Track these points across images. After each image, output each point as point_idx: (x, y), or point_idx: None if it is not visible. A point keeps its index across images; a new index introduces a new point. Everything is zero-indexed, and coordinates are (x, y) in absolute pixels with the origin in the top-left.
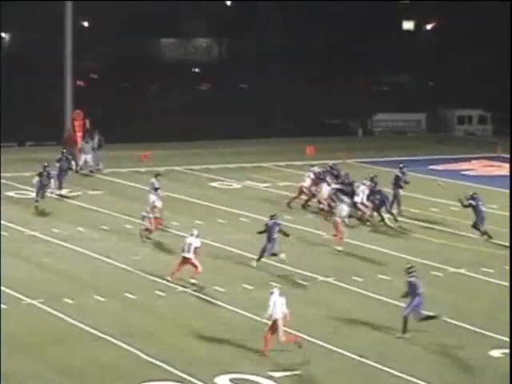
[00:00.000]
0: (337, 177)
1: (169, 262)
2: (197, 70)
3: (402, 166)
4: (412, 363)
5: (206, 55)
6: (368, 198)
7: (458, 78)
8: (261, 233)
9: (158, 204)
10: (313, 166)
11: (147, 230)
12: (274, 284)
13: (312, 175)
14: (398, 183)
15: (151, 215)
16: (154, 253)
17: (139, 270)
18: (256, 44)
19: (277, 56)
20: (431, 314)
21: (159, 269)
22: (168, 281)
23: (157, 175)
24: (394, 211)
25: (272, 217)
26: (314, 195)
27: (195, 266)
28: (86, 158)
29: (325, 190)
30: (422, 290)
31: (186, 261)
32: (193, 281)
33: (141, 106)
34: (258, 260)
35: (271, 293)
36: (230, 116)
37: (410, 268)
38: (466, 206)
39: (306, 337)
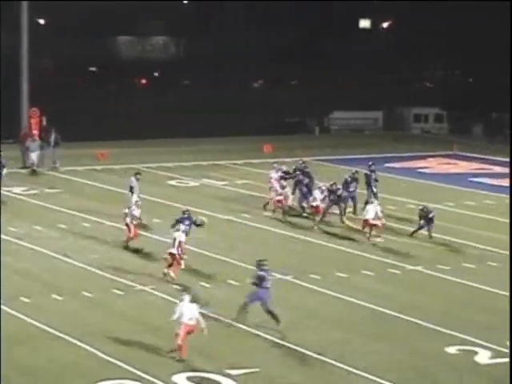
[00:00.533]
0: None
1: (126, 260)
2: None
3: (370, 163)
4: (370, 360)
5: (163, 53)
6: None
7: (414, 76)
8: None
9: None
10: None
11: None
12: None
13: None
14: (369, 182)
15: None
16: (113, 251)
17: (97, 269)
18: (213, 43)
19: (235, 55)
20: (274, 313)
21: (117, 267)
22: (174, 283)
23: (136, 173)
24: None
25: (184, 212)
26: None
27: (178, 263)
28: (32, 156)
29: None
30: (270, 285)
31: (172, 256)
32: (172, 274)
33: (98, 104)
34: None
35: (181, 300)
36: (186, 114)
37: (261, 261)
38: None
39: (264, 334)
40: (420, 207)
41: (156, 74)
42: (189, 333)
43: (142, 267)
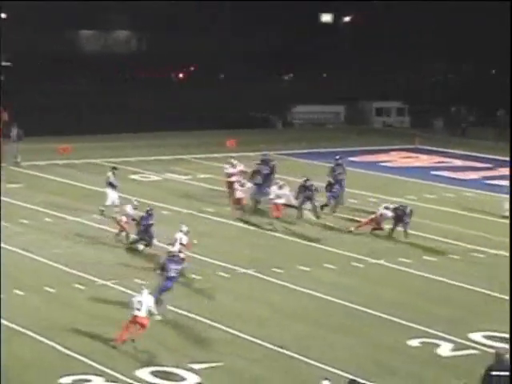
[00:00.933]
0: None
1: (88, 255)
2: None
3: (337, 157)
4: (332, 353)
5: (126, 48)
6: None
7: (376, 70)
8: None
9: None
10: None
11: (120, 232)
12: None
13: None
14: (334, 176)
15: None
16: (74, 246)
17: (59, 264)
18: (178, 38)
19: (198, 50)
20: (158, 303)
21: (79, 262)
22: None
23: (113, 168)
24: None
25: (148, 211)
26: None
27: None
28: None
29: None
30: (173, 275)
31: None
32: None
33: (59, 99)
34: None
35: (141, 291)
36: (149, 109)
37: (169, 253)
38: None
39: (227, 329)
40: (395, 205)
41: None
42: (137, 323)
43: (103, 262)
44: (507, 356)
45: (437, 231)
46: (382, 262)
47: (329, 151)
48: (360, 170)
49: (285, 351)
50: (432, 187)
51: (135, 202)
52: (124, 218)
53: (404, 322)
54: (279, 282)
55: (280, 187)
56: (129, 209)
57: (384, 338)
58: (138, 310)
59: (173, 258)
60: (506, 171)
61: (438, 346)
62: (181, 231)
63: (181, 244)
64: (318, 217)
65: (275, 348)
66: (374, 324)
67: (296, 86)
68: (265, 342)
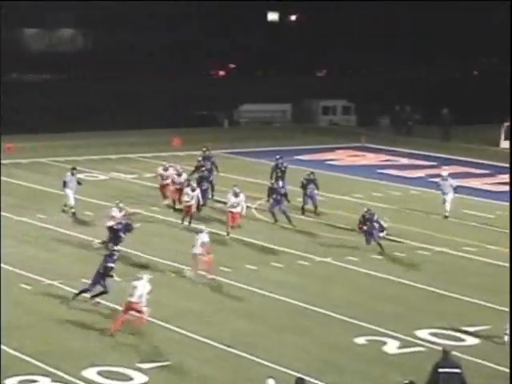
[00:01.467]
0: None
1: (34, 255)
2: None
3: (278, 157)
4: (279, 352)
5: (71, 46)
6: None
7: (322, 69)
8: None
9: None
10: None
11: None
12: (139, 275)
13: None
14: (277, 175)
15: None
16: (20, 245)
17: (5, 264)
18: (122, 36)
19: (142, 48)
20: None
21: (25, 262)
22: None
23: (72, 169)
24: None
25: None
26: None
27: (207, 263)
28: None
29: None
30: (111, 265)
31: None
32: (210, 276)
33: (4, 98)
34: None
35: (139, 278)
36: (95, 108)
37: (113, 251)
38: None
39: (175, 328)
40: (364, 209)
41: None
42: (133, 310)
43: (50, 262)
44: (453, 353)
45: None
46: (328, 260)
47: (275, 150)
48: (307, 169)
49: (233, 350)
50: (378, 185)
51: (120, 204)
52: (112, 223)
53: (351, 320)
54: (227, 280)
55: (236, 195)
56: (114, 212)
57: (331, 336)
58: (131, 295)
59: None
60: (450, 169)
61: (384, 343)
62: (201, 232)
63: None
64: (289, 221)
65: (223, 347)
66: (321, 322)
67: (242, 84)
68: (213, 341)
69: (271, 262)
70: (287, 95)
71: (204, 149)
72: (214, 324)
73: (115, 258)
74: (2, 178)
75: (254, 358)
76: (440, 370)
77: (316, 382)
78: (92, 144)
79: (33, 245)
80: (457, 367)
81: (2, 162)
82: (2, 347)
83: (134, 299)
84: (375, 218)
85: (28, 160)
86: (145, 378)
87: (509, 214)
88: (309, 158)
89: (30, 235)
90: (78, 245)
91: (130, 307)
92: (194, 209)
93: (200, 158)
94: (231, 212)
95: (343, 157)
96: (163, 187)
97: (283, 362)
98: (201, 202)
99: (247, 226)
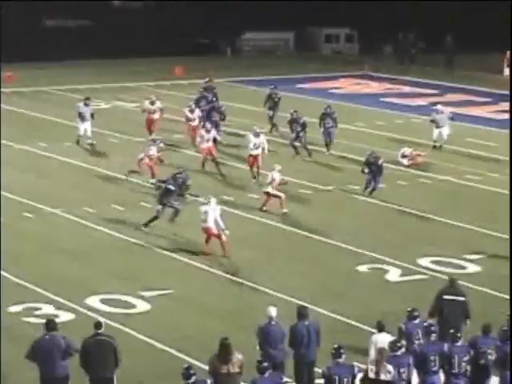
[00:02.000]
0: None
1: (36, 183)
2: None
3: (272, 86)
4: (281, 280)
5: None
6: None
7: None
8: None
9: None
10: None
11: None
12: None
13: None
14: (271, 105)
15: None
16: (23, 174)
17: (6, 192)
18: None
19: None
20: None
21: (27, 191)
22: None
23: (86, 99)
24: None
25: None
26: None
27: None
28: None
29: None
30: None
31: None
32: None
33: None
34: None
35: (208, 202)
36: (95, 36)
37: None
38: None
39: (177, 256)
40: (367, 153)
41: None
42: (210, 235)
43: (52, 190)
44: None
45: (386, 157)
46: (330, 188)
47: (278, 78)
48: (309, 97)
49: (233, 277)
50: (381, 114)
51: (161, 144)
52: (147, 160)
53: (353, 248)
54: (230, 209)
55: (257, 135)
56: (153, 151)
57: (333, 264)
58: (204, 221)
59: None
60: (452, 97)
61: (386, 271)
62: (274, 170)
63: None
64: (309, 153)
65: (224, 274)
66: (322, 250)
67: (245, 12)
68: (213, 269)
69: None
70: (290, 23)
71: (207, 79)
72: (215, 253)
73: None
74: (6, 107)
75: (256, 285)
76: (444, 296)
77: (318, 309)
78: (92, 72)
79: (35, 173)
80: (462, 295)
81: (3, 90)
82: (6, 275)
83: (208, 225)
84: (380, 161)
85: (30, 89)
86: (147, 306)
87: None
88: (311, 87)
89: (31, 163)
90: (81, 173)
91: (208, 233)
92: (214, 153)
93: (202, 89)
94: (253, 156)
95: (346, 85)
96: (150, 122)
97: (285, 290)
98: (217, 139)
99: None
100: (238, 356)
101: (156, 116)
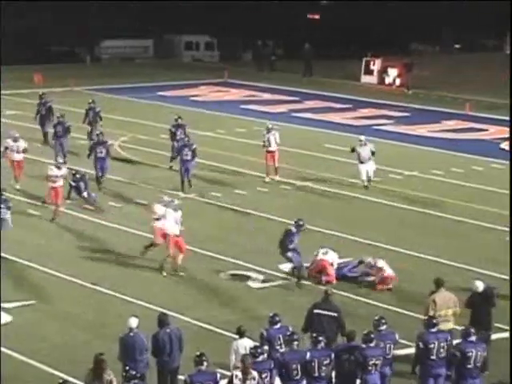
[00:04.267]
0: None
1: None
2: None
3: (90, 101)
4: (145, 289)
5: None
6: None
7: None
8: None
9: None
10: None
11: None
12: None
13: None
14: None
15: None
16: None
17: None
18: None
19: None
20: None
21: None
22: None
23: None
24: None
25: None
26: None
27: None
28: None
29: None
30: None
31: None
32: None
33: None
34: None
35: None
36: None
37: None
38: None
39: (38, 267)
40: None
41: None
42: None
43: None
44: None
45: (246, 164)
46: (192, 196)
47: (139, 86)
48: (170, 105)
49: (98, 288)
50: (242, 121)
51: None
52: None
53: (215, 255)
54: (95, 219)
55: (269, 131)
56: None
57: (196, 272)
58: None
59: None
60: (312, 104)
61: (248, 277)
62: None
63: None
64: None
65: (88, 285)
66: (187, 258)
67: (104, 20)
68: (77, 279)
69: (135, 198)
70: (149, 30)
71: (41, 93)
72: (77, 263)
73: None
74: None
75: (120, 295)
76: (315, 310)
77: (183, 317)
78: None
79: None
80: (335, 311)
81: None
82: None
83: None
84: None
85: None
86: (9, 318)
87: None
88: (172, 94)
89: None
90: None
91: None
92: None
93: (41, 100)
94: (270, 152)
95: (206, 92)
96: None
97: (149, 299)
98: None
99: (113, 163)
100: (109, 377)
101: (20, 157)
